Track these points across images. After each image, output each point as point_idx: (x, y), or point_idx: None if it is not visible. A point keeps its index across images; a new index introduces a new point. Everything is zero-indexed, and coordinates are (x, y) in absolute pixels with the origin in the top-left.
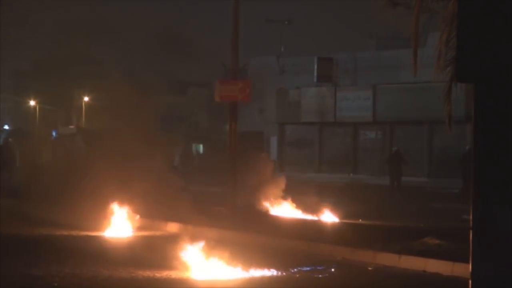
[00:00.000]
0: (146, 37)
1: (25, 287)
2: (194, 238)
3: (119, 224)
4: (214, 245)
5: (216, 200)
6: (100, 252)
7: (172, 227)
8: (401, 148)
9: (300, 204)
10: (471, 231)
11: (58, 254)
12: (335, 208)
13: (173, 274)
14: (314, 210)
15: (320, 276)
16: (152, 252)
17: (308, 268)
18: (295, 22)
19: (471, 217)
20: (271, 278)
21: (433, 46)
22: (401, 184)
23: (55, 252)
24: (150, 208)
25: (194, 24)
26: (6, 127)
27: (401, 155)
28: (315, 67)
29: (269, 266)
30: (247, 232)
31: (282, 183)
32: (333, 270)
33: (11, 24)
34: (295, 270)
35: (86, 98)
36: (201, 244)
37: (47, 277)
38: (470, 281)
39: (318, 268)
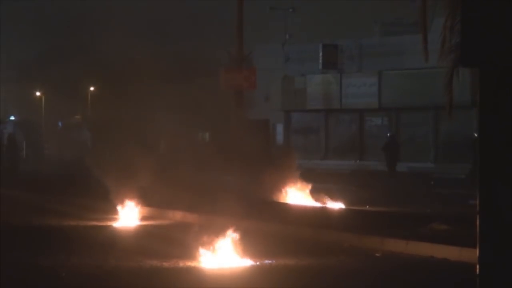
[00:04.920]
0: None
1: (33, 277)
2: (201, 227)
3: (127, 214)
4: (221, 233)
5: (221, 187)
6: (108, 242)
7: (179, 216)
8: (396, 134)
9: (307, 191)
10: (478, 216)
11: (66, 244)
12: (341, 195)
13: (180, 262)
14: (320, 197)
15: (328, 262)
16: (159, 241)
17: (316, 255)
18: (299, 9)
19: (477, 202)
20: (279, 266)
21: (438, 32)
22: (396, 169)
23: (63, 242)
24: (158, 197)
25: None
26: (12, 117)
27: (396, 141)
28: (320, 54)
29: (277, 254)
30: (254, 220)
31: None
32: (341, 256)
33: (14, 15)
34: (303, 257)
35: (91, 88)
36: (208, 233)
37: (54, 267)
38: (477, 266)
39: (326, 255)
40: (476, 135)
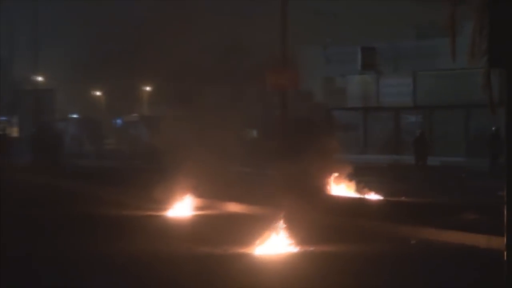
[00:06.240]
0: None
1: (91, 264)
2: (251, 216)
3: (181, 204)
4: (269, 223)
5: (268, 181)
6: (163, 231)
7: (230, 207)
8: (425, 130)
9: (348, 183)
10: (505, 207)
11: (124, 233)
12: (379, 187)
13: (229, 249)
14: (360, 188)
15: (366, 249)
16: (211, 230)
17: (356, 242)
18: (339, 14)
19: (505, 193)
20: (321, 252)
21: (468, 35)
22: (426, 163)
23: (122, 231)
24: (211, 189)
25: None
26: (74, 115)
27: (426, 137)
28: (359, 56)
29: (319, 241)
30: (299, 210)
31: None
32: (378, 243)
33: (77, 17)
34: (344, 244)
35: (147, 88)
36: (256, 222)
37: (112, 254)
38: (505, 253)
39: (365, 242)
40: (494, 129)
